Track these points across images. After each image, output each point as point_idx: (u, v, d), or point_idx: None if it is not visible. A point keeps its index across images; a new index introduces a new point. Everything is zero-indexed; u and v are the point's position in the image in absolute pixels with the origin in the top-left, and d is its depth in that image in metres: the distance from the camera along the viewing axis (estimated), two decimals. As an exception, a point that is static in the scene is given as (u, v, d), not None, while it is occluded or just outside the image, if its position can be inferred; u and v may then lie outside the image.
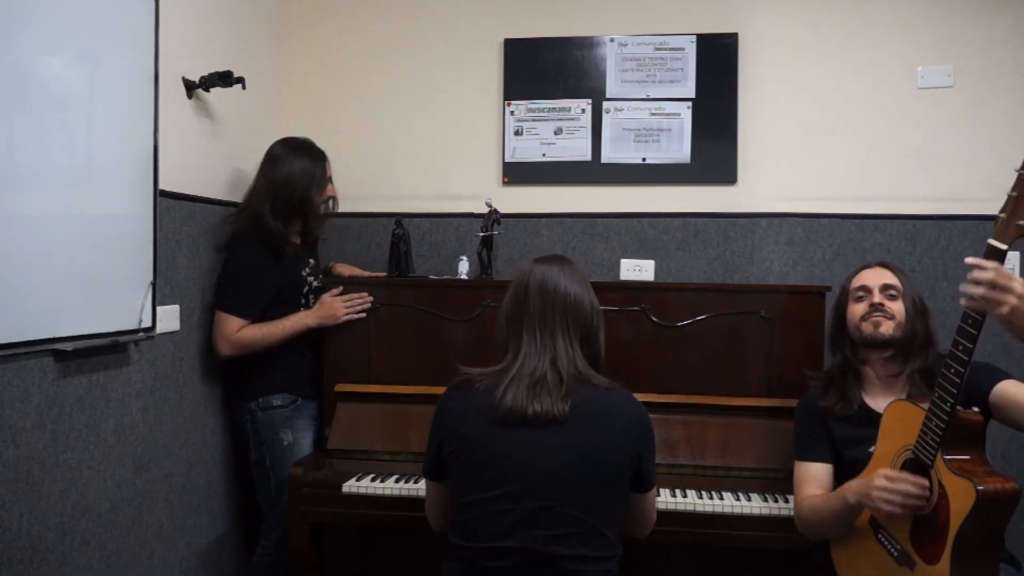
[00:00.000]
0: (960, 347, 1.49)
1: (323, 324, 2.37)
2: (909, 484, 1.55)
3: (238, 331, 2.27)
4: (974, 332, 1.47)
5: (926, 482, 1.56)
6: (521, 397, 1.50)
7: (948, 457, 1.53)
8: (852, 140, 2.69)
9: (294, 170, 2.34)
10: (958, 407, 1.52)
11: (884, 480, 1.59)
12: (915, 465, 1.60)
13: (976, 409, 1.63)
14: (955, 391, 1.49)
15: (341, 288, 2.42)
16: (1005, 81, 2.62)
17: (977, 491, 1.45)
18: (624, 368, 2.27)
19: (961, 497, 1.48)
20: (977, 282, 1.41)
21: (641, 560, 1.86)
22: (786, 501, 2.01)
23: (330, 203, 2.48)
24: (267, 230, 2.29)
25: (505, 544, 1.48)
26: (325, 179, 2.42)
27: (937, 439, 1.53)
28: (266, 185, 2.34)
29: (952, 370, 1.50)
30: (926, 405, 1.57)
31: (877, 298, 1.86)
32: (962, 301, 1.45)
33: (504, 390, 1.52)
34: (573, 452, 1.49)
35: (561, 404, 1.50)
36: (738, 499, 2.03)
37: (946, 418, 1.51)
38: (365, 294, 2.41)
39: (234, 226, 2.36)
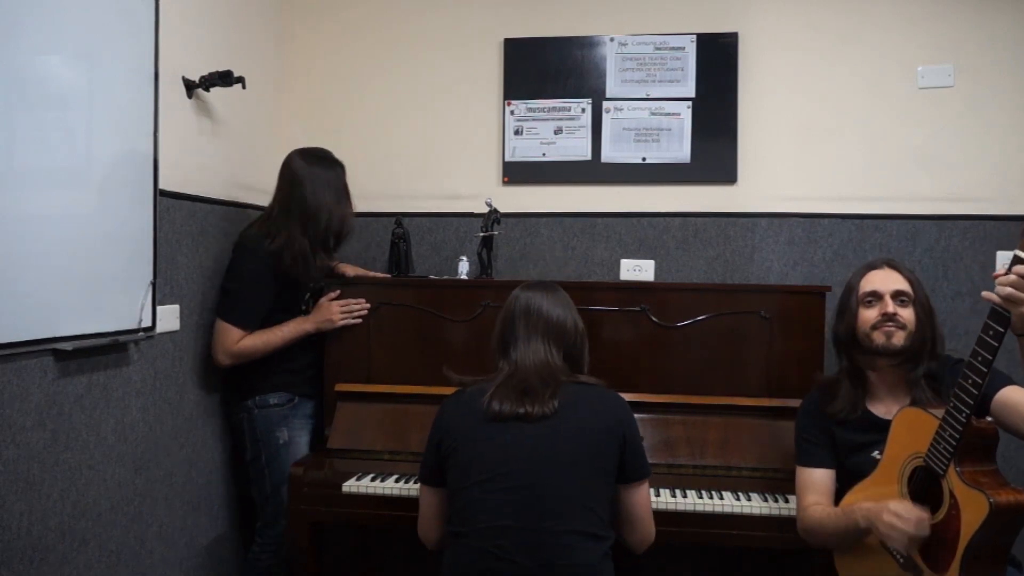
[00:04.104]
0: (979, 358, 1.47)
1: (321, 329, 2.37)
2: (915, 526, 1.54)
3: (237, 342, 2.26)
4: (995, 344, 1.45)
5: (929, 520, 1.55)
6: (511, 403, 1.61)
7: (961, 468, 1.51)
8: (852, 140, 2.69)
9: (328, 196, 2.28)
10: (972, 417, 1.50)
11: (894, 518, 1.57)
12: (925, 474, 1.59)
13: (990, 419, 1.62)
14: (972, 402, 1.47)
15: (339, 292, 2.41)
16: (1005, 81, 2.62)
17: (990, 504, 1.44)
18: (624, 368, 2.28)
19: (973, 509, 1.47)
20: (1003, 285, 1.43)
21: (641, 560, 1.86)
22: (786, 501, 2.01)
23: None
24: (303, 260, 2.26)
25: (500, 524, 1.54)
26: (350, 195, 2.39)
27: (951, 449, 1.51)
28: (295, 210, 2.27)
29: (970, 381, 1.48)
30: (938, 412, 1.55)
31: (890, 307, 1.81)
32: (987, 294, 1.46)
33: (492, 395, 1.63)
34: (561, 436, 1.59)
35: (551, 403, 1.61)
36: (738, 499, 2.02)
37: (961, 428, 1.49)
38: (363, 300, 2.41)
39: (247, 234, 2.33)
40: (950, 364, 1.85)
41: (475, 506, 1.57)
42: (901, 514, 1.56)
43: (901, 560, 1.62)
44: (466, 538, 1.57)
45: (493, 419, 1.60)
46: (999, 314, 1.45)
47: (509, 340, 1.72)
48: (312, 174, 2.30)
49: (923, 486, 1.61)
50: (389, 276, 2.62)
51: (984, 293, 1.47)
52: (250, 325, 2.28)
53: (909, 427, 1.65)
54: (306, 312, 2.41)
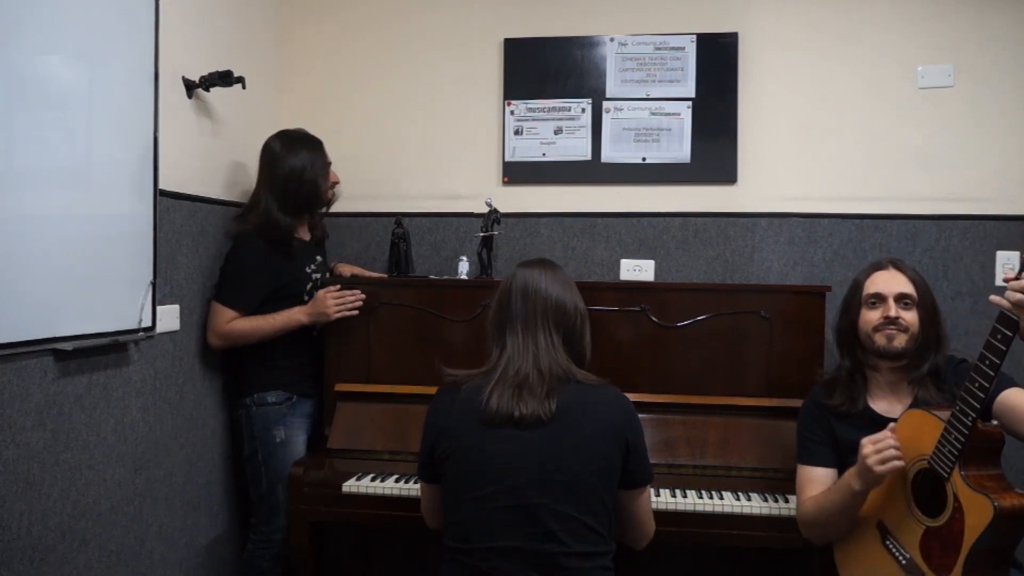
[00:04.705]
0: (987, 361, 1.47)
1: (315, 321, 2.36)
2: (889, 438, 1.60)
3: (228, 322, 2.27)
4: (1003, 348, 1.44)
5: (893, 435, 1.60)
6: (507, 399, 1.52)
7: (965, 472, 1.51)
8: (852, 140, 2.69)
9: (297, 164, 2.34)
10: (978, 420, 1.50)
11: (871, 447, 1.61)
12: (929, 476, 1.59)
13: (995, 423, 1.62)
14: (978, 405, 1.47)
15: (339, 286, 2.41)
16: (1005, 81, 2.62)
17: (995, 508, 1.43)
18: (624, 368, 2.28)
19: (977, 513, 1.47)
20: (1013, 290, 1.42)
21: (641, 560, 1.86)
22: (786, 501, 2.01)
23: (335, 189, 2.49)
24: (276, 227, 2.31)
25: (498, 544, 1.49)
26: (327, 166, 2.43)
27: (956, 452, 1.51)
28: (271, 182, 2.34)
29: (976, 384, 1.47)
30: (943, 415, 1.55)
31: (893, 311, 1.81)
32: (995, 299, 1.45)
33: (490, 393, 1.54)
34: (561, 449, 1.50)
35: (547, 404, 1.51)
36: (738, 499, 2.03)
37: (966, 432, 1.49)
38: (358, 291, 2.40)
39: (240, 225, 2.36)
40: (953, 364, 1.86)
41: (473, 523, 1.52)
42: (874, 439, 1.61)
43: (903, 561, 1.62)
44: (465, 556, 1.52)
45: (491, 422, 1.52)
46: (1008, 319, 1.44)
47: (505, 321, 1.63)
48: (288, 151, 2.35)
49: (927, 489, 1.61)
50: (386, 276, 2.62)
51: (992, 298, 1.46)
52: (242, 307, 2.29)
53: (914, 429, 1.64)
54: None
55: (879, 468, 1.58)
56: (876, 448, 1.59)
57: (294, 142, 2.38)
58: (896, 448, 1.59)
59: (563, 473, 1.50)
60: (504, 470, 1.50)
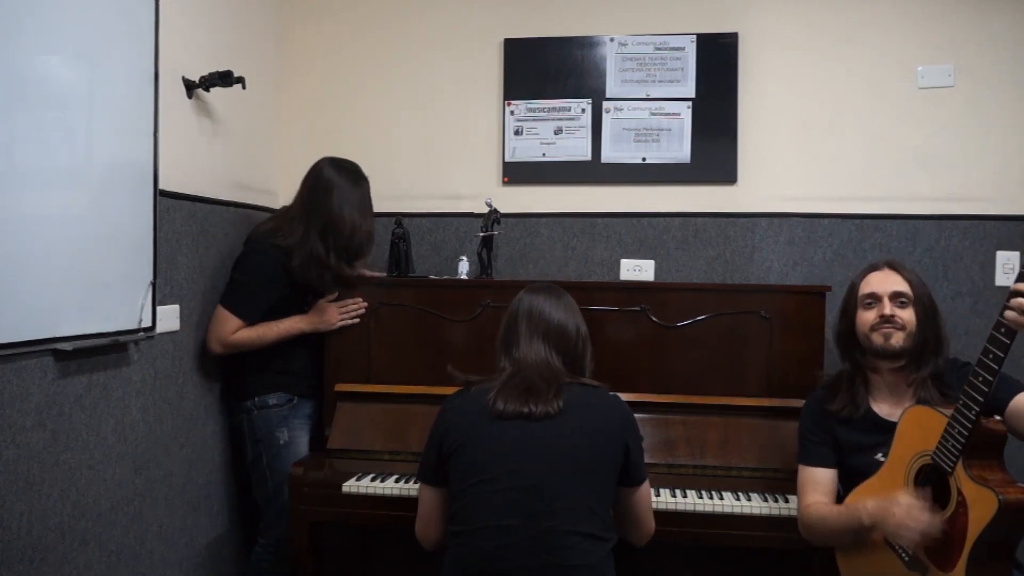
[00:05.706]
0: (991, 355, 1.48)
1: (317, 329, 2.37)
2: (928, 521, 1.53)
3: (233, 332, 2.26)
4: (1007, 341, 1.46)
5: (943, 518, 1.55)
6: (515, 401, 1.61)
7: (969, 466, 1.52)
8: (852, 140, 2.69)
9: (354, 210, 2.32)
10: (981, 415, 1.51)
11: (904, 514, 1.55)
12: (932, 471, 1.59)
13: (998, 418, 1.62)
14: (981, 399, 1.48)
15: (336, 293, 2.41)
16: (1005, 81, 2.62)
17: (999, 501, 1.44)
18: (624, 368, 2.28)
19: (981, 506, 1.47)
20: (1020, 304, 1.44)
21: (641, 560, 1.86)
22: (786, 501, 2.01)
23: None
24: (315, 264, 2.28)
25: (503, 522, 1.53)
26: (372, 211, 2.42)
27: (959, 447, 1.51)
28: (317, 215, 2.29)
29: (980, 378, 1.48)
30: (947, 411, 1.56)
31: (888, 309, 1.81)
32: (1007, 314, 1.46)
33: (496, 394, 1.62)
34: (566, 437, 1.59)
35: (556, 402, 1.61)
36: (738, 499, 2.03)
37: (970, 426, 1.49)
38: (360, 299, 2.41)
39: (260, 229, 2.35)
40: (957, 367, 1.85)
41: (478, 505, 1.56)
42: (913, 514, 1.55)
43: (906, 558, 1.62)
44: (468, 537, 1.56)
45: (498, 418, 1.60)
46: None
47: (511, 341, 1.73)
48: (342, 185, 2.33)
49: (930, 484, 1.61)
50: (384, 275, 2.63)
51: (1007, 314, 1.47)
52: (250, 317, 2.28)
53: (917, 425, 1.65)
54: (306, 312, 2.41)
55: (896, 532, 1.57)
56: (908, 520, 1.55)
57: (351, 181, 2.34)
58: (920, 535, 1.54)
59: (570, 455, 1.57)
60: (512, 454, 1.57)
